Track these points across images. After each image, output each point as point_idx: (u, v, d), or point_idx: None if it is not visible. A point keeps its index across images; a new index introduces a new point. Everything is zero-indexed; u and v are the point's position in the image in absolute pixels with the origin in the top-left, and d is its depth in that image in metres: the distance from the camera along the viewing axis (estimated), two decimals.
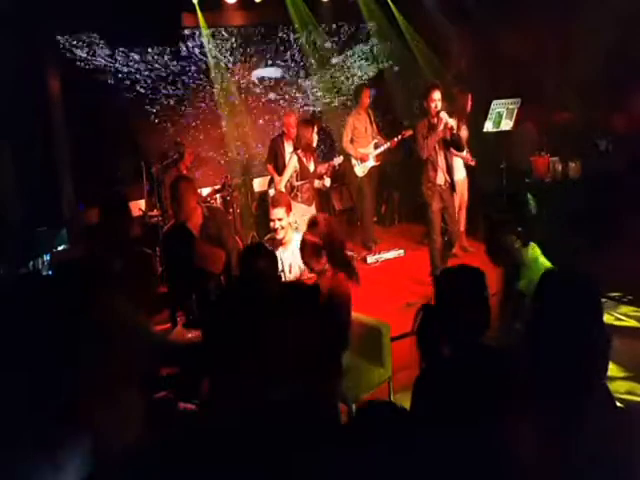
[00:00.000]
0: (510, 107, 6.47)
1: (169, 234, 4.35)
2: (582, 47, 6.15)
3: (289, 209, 4.15)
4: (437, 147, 5.56)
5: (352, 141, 7.06)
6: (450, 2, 7.46)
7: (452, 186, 5.70)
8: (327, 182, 6.02)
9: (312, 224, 3.45)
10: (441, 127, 5.43)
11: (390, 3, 8.03)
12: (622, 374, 3.66)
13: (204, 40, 7.66)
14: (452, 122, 5.43)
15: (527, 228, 2.61)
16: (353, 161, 7.08)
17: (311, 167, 5.85)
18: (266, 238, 4.40)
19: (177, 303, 4.16)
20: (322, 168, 6.19)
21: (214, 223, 4.18)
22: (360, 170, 7.08)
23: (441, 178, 5.60)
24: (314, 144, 5.81)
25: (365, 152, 7.06)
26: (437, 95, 5.45)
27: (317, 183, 5.98)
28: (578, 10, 6.11)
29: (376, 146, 7.11)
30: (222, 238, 4.16)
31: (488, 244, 2.73)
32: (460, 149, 5.80)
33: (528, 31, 6.58)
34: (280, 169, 6.45)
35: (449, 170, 5.65)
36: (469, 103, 6.48)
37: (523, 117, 6.60)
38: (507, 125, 6.51)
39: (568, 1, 6.40)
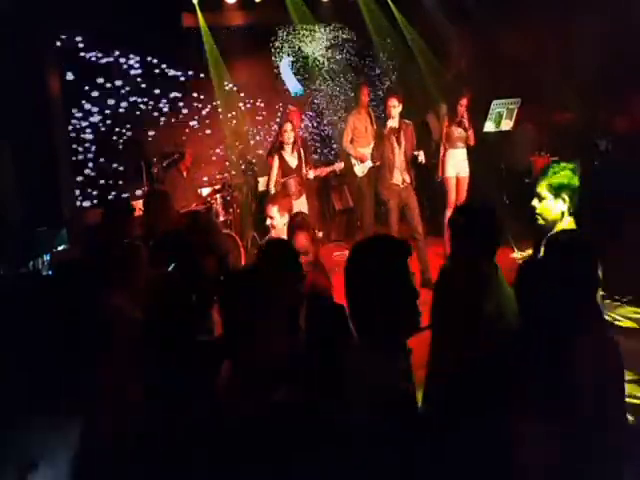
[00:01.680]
0: (510, 107, 6.47)
1: (160, 243, 4.32)
2: (582, 47, 6.16)
3: (283, 209, 4.12)
4: (396, 149, 5.91)
5: (352, 141, 7.06)
6: (450, 2, 7.46)
7: (411, 184, 6.01)
8: (310, 174, 6.18)
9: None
10: (385, 130, 5.91)
11: (390, 3, 8.03)
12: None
13: (204, 39, 7.65)
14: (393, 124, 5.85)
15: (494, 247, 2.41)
16: (353, 161, 7.08)
17: (293, 163, 6.04)
18: (265, 239, 4.39)
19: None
20: (322, 171, 6.38)
21: (198, 230, 4.19)
22: (360, 170, 7.07)
23: (398, 178, 5.94)
24: (290, 141, 5.99)
25: (365, 152, 7.05)
26: (392, 102, 5.87)
27: (304, 172, 6.13)
28: (578, 10, 6.11)
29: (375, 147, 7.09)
30: (210, 243, 4.16)
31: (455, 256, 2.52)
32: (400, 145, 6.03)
33: (528, 31, 6.58)
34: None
35: (408, 170, 5.97)
36: (461, 104, 6.35)
37: (523, 117, 6.60)
38: (507, 125, 6.51)
39: (568, 1, 6.40)
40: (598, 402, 1.60)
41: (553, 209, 2.67)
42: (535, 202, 2.72)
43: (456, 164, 6.47)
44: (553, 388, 1.58)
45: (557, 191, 2.66)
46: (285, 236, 4.06)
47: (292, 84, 8.59)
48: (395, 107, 5.86)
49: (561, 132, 6.69)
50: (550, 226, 2.68)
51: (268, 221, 4.12)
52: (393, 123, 5.87)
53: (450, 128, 6.43)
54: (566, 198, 2.65)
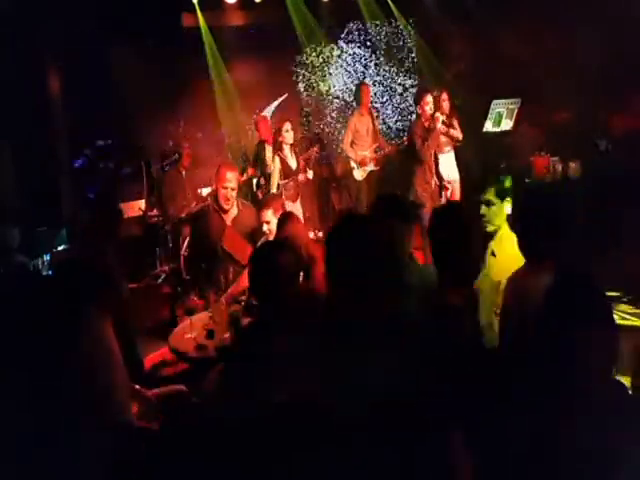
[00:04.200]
0: (510, 107, 6.47)
1: (197, 212, 4.60)
2: (582, 47, 6.16)
3: (278, 211, 4.06)
4: (433, 150, 5.85)
5: (352, 143, 6.83)
6: (450, 2, 7.45)
7: (440, 187, 5.97)
8: (310, 174, 6.16)
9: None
10: (438, 124, 5.73)
11: (390, 3, 8.03)
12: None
13: (204, 39, 7.66)
14: (443, 118, 5.80)
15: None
16: (352, 164, 6.87)
17: (293, 164, 6.01)
18: (260, 242, 4.33)
19: (193, 280, 4.49)
20: (302, 160, 6.31)
21: (245, 218, 4.25)
22: (359, 174, 6.88)
23: (435, 180, 5.92)
24: (289, 141, 5.97)
25: (365, 156, 6.86)
26: (429, 98, 5.85)
27: (301, 177, 6.11)
28: (578, 10, 6.11)
29: (376, 150, 6.89)
30: (254, 235, 4.21)
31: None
32: None
33: (528, 31, 6.58)
34: (263, 173, 6.67)
35: (438, 171, 5.95)
36: (444, 103, 6.21)
37: (523, 117, 6.60)
38: (507, 125, 6.50)
39: (568, 1, 6.40)
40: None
41: (502, 213, 2.88)
42: (484, 210, 2.91)
43: (446, 170, 6.28)
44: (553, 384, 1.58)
45: (504, 195, 2.89)
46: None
47: None
48: (432, 103, 5.86)
49: (561, 132, 6.68)
50: (496, 230, 2.91)
51: (265, 227, 4.01)
52: (442, 117, 5.77)
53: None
54: (510, 200, 2.89)
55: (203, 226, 4.25)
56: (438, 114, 5.74)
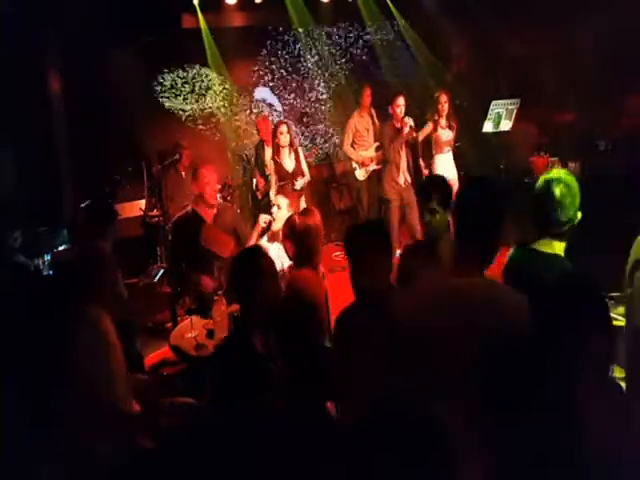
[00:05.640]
0: (509, 107, 6.47)
1: (181, 219, 4.45)
2: (582, 47, 6.17)
3: (293, 205, 4.17)
4: (400, 150, 6.04)
5: (353, 144, 6.84)
6: (450, 2, 7.45)
7: (413, 185, 6.12)
8: (299, 183, 5.89)
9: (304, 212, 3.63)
10: (406, 130, 5.89)
11: (390, 3, 8.03)
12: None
13: (204, 40, 7.66)
14: (412, 123, 5.92)
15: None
16: (353, 164, 6.89)
17: (289, 167, 5.87)
18: (263, 239, 4.33)
19: (180, 287, 4.42)
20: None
21: (227, 217, 4.32)
22: (360, 174, 6.88)
23: (402, 178, 6.10)
24: (284, 144, 5.79)
25: (367, 156, 6.83)
26: (401, 101, 5.97)
27: (298, 184, 5.89)
28: (578, 10, 6.12)
29: (377, 149, 6.81)
30: (237, 231, 4.29)
31: None
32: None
33: (528, 31, 6.59)
34: (262, 173, 6.70)
35: (409, 170, 6.17)
36: (444, 105, 6.23)
37: (523, 117, 6.61)
38: (506, 125, 6.51)
39: (568, 1, 6.40)
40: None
41: (445, 221, 2.95)
42: (427, 217, 3.03)
43: (445, 170, 6.23)
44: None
45: (446, 204, 2.94)
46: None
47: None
48: (404, 106, 5.98)
49: (561, 132, 6.69)
50: (440, 235, 2.97)
51: (274, 209, 4.10)
52: (411, 122, 5.93)
53: (437, 133, 6.29)
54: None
55: (186, 232, 4.24)
56: (407, 119, 5.88)
